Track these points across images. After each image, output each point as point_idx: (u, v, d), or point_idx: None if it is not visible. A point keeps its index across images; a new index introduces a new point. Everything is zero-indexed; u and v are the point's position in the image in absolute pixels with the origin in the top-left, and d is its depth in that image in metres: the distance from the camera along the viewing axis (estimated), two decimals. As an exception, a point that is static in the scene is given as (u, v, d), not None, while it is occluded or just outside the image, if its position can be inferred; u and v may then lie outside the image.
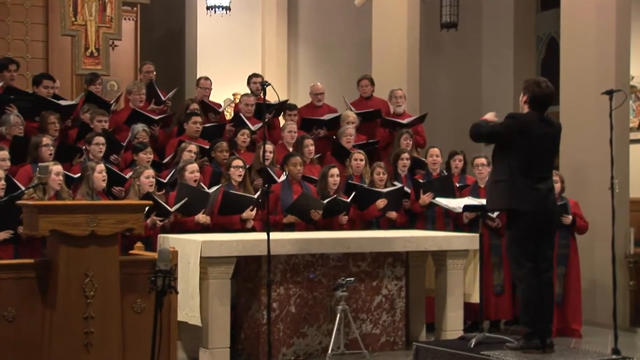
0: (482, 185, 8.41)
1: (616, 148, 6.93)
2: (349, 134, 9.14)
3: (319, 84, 10.32)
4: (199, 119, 8.77)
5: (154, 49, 13.07)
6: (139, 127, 8.52)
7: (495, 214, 8.03)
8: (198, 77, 10.27)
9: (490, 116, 6.34)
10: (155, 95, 9.42)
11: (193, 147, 8.13)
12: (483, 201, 7.42)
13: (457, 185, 8.59)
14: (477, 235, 7.15)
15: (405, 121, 9.58)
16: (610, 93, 6.74)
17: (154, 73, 9.90)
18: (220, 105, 10.19)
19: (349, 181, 8.50)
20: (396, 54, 10.97)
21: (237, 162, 7.88)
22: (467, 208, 7.32)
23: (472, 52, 12.28)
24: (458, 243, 7.35)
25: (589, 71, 8.79)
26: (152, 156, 8.03)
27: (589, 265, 8.50)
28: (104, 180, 7.21)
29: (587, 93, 8.66)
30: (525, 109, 6.07)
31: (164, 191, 7.78)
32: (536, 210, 5.96)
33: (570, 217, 7.98)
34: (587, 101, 8.69)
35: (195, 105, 9.17)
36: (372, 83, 10.12)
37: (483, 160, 8.43)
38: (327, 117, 9.71)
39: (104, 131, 8.20)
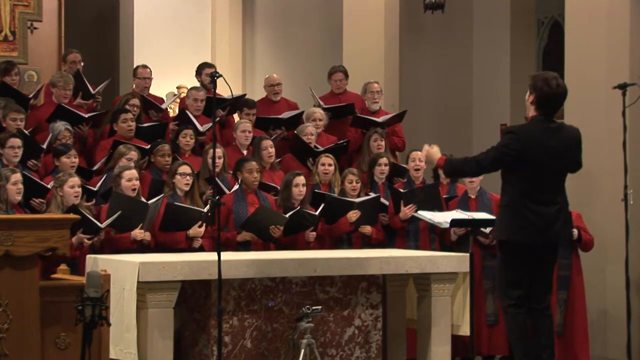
0: (473, 196, 8.47)
1: (630, 152, 6.99)
2: (309, 133, 9.17)
3: (275, 74, 10.34)
4: (129, 115, 8.75)
5: (81, 33, 13.00)
6: (60, 125, 8.47)
7: (488, 229, 8.09)
8: (135, 65, 10.25)
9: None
10: (83, 87, 9.37)
11: (134, 154, 8.10)
12: (474, 214, 7.47)
13: (445, 196, 8.64)
14: (467, 255, 7.19)
15: (380, 119, 9.62)
16: (623, 87, 6.81)
17: (82, 63, 9.86)
18: (163, 100, 10.18)
19: (316, 190, 8.52)
20: (372, 40, 11.01)
21: (184, 169, 7.87)
22: (455, 223, 7.36)
23: (461, 38, 12.36)
24: (445, 264, 7.37)
25: (598, 61, 8.87)
26: (76, 160, 7.99)
27: (598, 291, 8.57)
28: (19, 192, 7.16)
29: (596, 87, 8.74)
30: (532, 111, 6.13)
31: (93, 202, 7.74)
32: (534, 240, 6.04)
33: (576, 231, 8.05)
34: (596, 96, 8.78)
35: (136, 101, 9.14)
36: (347, 76, 10.16)
37: (474, 166, 8.47)
38: (286, 115, 9.73)
39: (19, 131, 8.15)
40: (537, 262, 6.12)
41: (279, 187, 8.38)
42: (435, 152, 6.49)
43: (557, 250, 6.37)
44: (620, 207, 6.91)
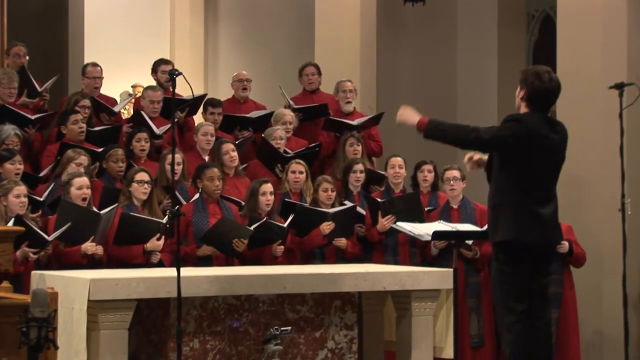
0: (455, 206, 8.50)
1: (628, 157, 7.05)
2: (278, 137, 9.18)
3: (244, 71, 10.37)
4: (79, 116, 8.71)
5: (26, 26, 12.93)
6: (9, 129, 8.42)
7: (471, 241, 8.12)
8: (85, 63, 10.21)
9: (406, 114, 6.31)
10: (28, 84, 9.33)
11: (84, 158, 8.07)
12: (457, 226, 7.49)
13: (428, 208, 8.65)
14: (451, 270, 7.21)
15: (355, 122, 9.65)
16: (620, 87, 6.85)
17: (27, 57, 9.83)
18: (116, 101, 10.14)
19: (286, 199, 8.52)
20: (346, 36, 11.03)
21: (141, 176, 7.85)
22: (437, 235, 7.37)
23: (444, 33, 12.40)
24: (426, 281, 7.39)
25: (593, 58, 8.93)
26: (22, 167, 7.96)
27: (593, 309, 8.61)
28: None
29: (591, 86, 8.79)
30: (523, 108, 6.10)
31: (39, 213, 7.71)
32: (541, 242, 6.02)
33: (567, 244, 8.09)
34: (590, 97, 8.83)
35: (86, 102, 9.11)
36: (319, 72, 10.20)
37: (456, 173, 8.51)
38: (254, 114, 9.74)
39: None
40: (535, 269, 6.11)
41: (242, 202, 8.36)
42: (409, 112, 6.30)
43: (552, 260, 6.35)
44: (617, 217, 6.93)
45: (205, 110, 9.69)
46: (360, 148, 9.26)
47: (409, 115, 6.36)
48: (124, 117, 10.24)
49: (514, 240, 6.02)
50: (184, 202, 8.15)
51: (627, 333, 6.85)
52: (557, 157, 6.12)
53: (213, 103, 9.68)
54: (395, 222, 8.12)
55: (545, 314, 6.19)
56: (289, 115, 9.64)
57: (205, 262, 7.83)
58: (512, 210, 6.03)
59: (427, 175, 8.80)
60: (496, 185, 6.14)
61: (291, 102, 9.98)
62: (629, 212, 6.95)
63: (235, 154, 8.77)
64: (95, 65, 9.79)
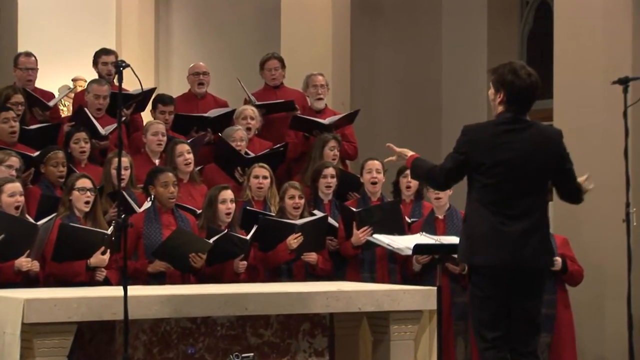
0: (441, 216, 8.53)
1: (633, 161, 7.08)
2: (238, 139, 9.17)
3: (201, 62, 10.36)
4: (10, 114, 8.68)
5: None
6: None
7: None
8: (18, 52, 10.17)
9: None
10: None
11: (15, 160, 8.04)
12: (442, 238, 7.51)
13: (410, 220, 8.67)
14: (434, 289, 7.23)
15: (326, 121, 9.65)
16: (624, 82, 6.88)
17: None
18: (54, 96, 10.11)
19: (247, 208, 8.52)
20: (317, 23, 11.05)
21: (83, 182, 7.82)
22: (419, 249, 7.39)
23: (428, 20, 12.44)
24: (407, 301, 7.40)
25: (594, 50, 8.98)
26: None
27: (595, 333, 8.65)
28: None
29: (593, 81, 8.84)
30: (500, 110, 6.07)
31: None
32: (498, 263, 6.02)
33: (559, 259, 8.10)
34: (591, 93, 8.87)
35: (18, 97, 9.07)
36: (283, 65, 10.19)
37: (440, 180, 8.54)
38: (213, 113, 9.72)
39: None
40: (513, 296, 6.13)
41: (197, 210, 8.35)
42: (406, 151, 6.52)
43: (541, 282, 6.31)
44: (620, 229, 6.95)
45: (154, 108, 9.65)
46: (338, 152, 9.27)
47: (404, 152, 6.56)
48: (63, 115, 10.20)
49: (470, 265, 6.08)
50: (138, 210, 8.13)
51: (632, 359, 6.88)
52: (527, 168, 6.00)
53: (163, 100, 9.63)
54: (372, 235, 8.13)
55: (530, 342, 6.20)
56: (250, 109, 9.61)
57: (157, 280, 7.83)
58: (468, 229, 6.07)
59: (410, 181, 8.77)
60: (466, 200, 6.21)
61: (252, 98, 9.96)
62: (635, 223, 6.96)
63: (190, 156, 8.75)
64: (28, 55, 9.76)
